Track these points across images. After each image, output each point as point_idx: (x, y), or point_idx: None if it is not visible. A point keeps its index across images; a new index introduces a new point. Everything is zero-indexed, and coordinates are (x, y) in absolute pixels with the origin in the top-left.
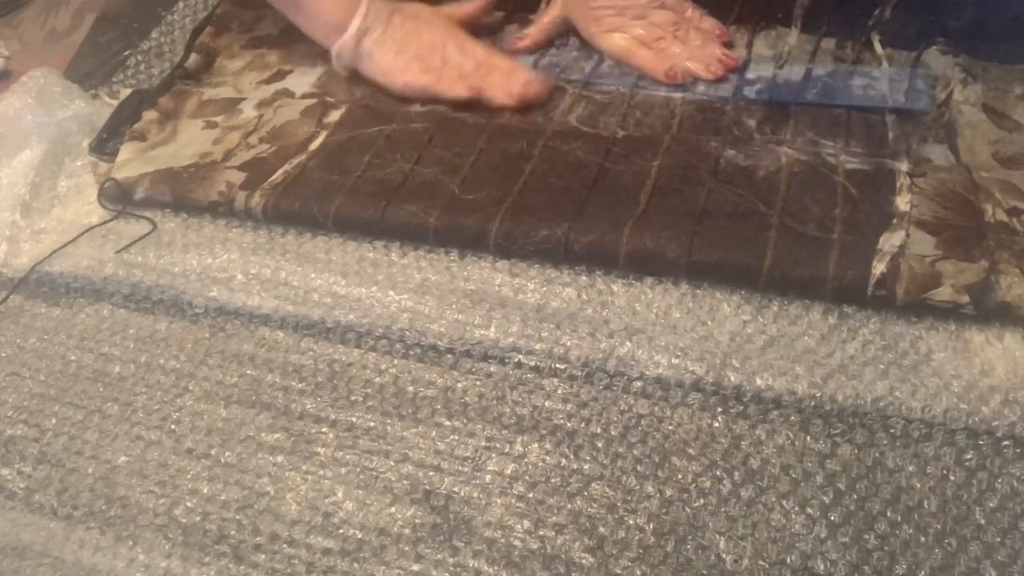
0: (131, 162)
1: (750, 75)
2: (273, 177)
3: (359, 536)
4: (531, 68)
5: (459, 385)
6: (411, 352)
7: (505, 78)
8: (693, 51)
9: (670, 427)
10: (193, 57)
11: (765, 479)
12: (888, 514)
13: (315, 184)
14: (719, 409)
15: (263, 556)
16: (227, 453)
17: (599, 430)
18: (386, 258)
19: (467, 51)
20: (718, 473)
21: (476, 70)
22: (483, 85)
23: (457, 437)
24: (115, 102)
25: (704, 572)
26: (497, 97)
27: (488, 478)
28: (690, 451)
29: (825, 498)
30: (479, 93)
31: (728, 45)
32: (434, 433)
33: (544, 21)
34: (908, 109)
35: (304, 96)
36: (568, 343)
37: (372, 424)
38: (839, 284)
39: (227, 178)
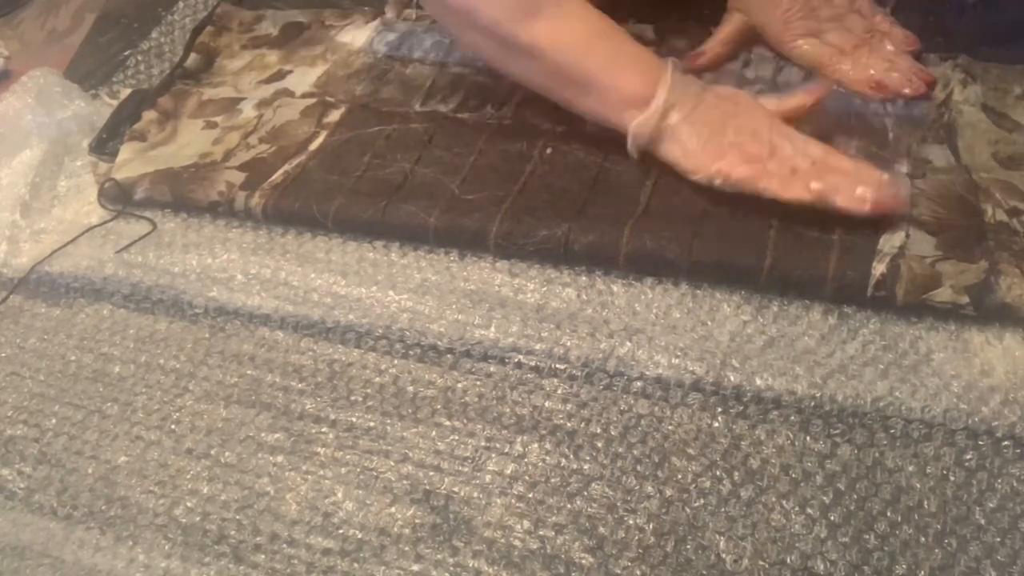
0: (131, 162)
1: (749, 75)
2: (273, 177)
3: (359, 536)
4: (882, 170)
5: (459, 385)
6: (411, 352)
7: (851, 180)
8: (890, 63)
9: (670, 427)
10: (193, 57)
11: (765, 479)
12: (888, 514)
13: (315, 184)
14: (719, 409)
15: (263, 556)
16: (227, 453)
17: (599, 430)
18: (386, 258)
19: (799, 145)
20: (718, 473)
21: (812, 169)
22: (824, 187)
23: (457, 437)
24: (115, 102)
25: (704, 572)
26: (843, 202)
27: (488, 478)
28: (690, 451)
29: (825, 498)
30: (822, 198)
31: (916, 55)
32: (434, 433)
33: (723, 33)
34: (908, 112)
35: (304, 96)
36: (568, 343)
37: (372, 424)
38: (839, 284)
39: (227, 178)
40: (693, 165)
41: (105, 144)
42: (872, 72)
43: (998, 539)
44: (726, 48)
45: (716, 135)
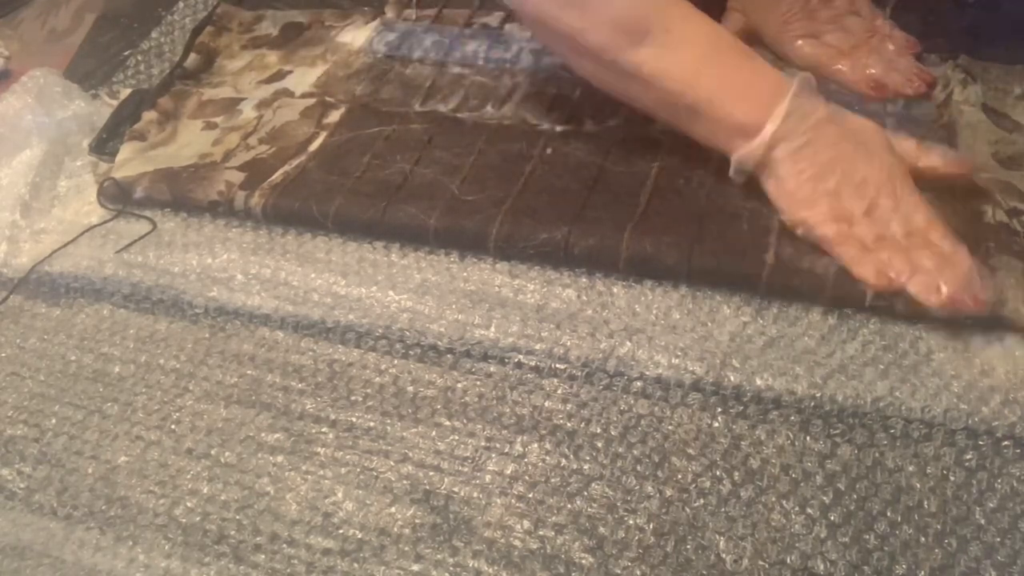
0: (131, 162)
1: None
2: (273, 177)
3: (359, 536)
4: (974, 262)
5: (459, 385)
6: (411, 352)
7: (939, 265)
8: (889, 63)
9: (670, 427)
10: (193, 57)
11: (765, 479)
12: (888, 514)
13: (315, 185)
14: (719, 409)
15: (263, 556)
16: (227, 453)
17: (599, 430)
18: (386, 258)
19: (903, 207)
20: (718, 473)
21: (903, 239)
22: (901, 267)
23: (457, 437)
24: (115, 102)
25: (704, 572)
26: (915, 286)
27: (488, 478)
28: (690, 451)
29: (825, 498)
30: (891, 286)
31: (918, 58)
32: (434, 433)
33: None
34: (908, 112)
35: (304, 96)
36: (568, 343)
37: (372, 424)
38: (838, 293)
39: (227, 178)
40: (783, 205)
41: (105, 144)
42: (871, 72)
43: (998, 539)
44: None
45: (817, 178)
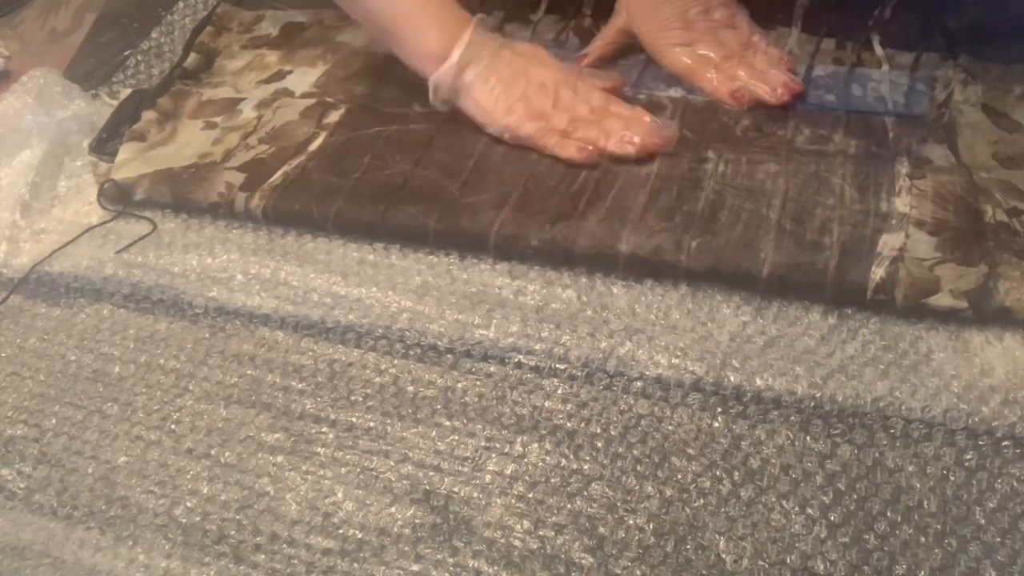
0: (130, 162)
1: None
2: (273, 178)
3: (359, 536)
4: (654, 116)
5: (459, 385)
6: (411, 352)
7: (623, 125)
8: (758, 74)
9: (670, 427)
10: (193, 57)
11: (765, 479)
12: (888, 514)
13: (315, 186)
14: (719, 409)
15: (263, 556)
16: (227, 453)
17: (599, 430)
18: (386, 259)
19: (581, 93)
20: (718, 473)
21: (590, 115)
22: (596, 136)
23: (457, 437)
24: (115, 102)
25: (704, 572)
26: (613, 147)
27: (488, 478)
28: (690, 451)
29: (825, 498)
30: (590, 155)
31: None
32: (434, 433)
33: (607, 34)
34: (908, 112)
35: (304, 96)
36: (568, 343)
37: (372, 424)
38: (838, 289)
39: (227, 179)
40: (485, 119)
41: (105, 144)
42: (735, 83)
43: (998, 539)
44: (610, 47)
45: (507, 90)
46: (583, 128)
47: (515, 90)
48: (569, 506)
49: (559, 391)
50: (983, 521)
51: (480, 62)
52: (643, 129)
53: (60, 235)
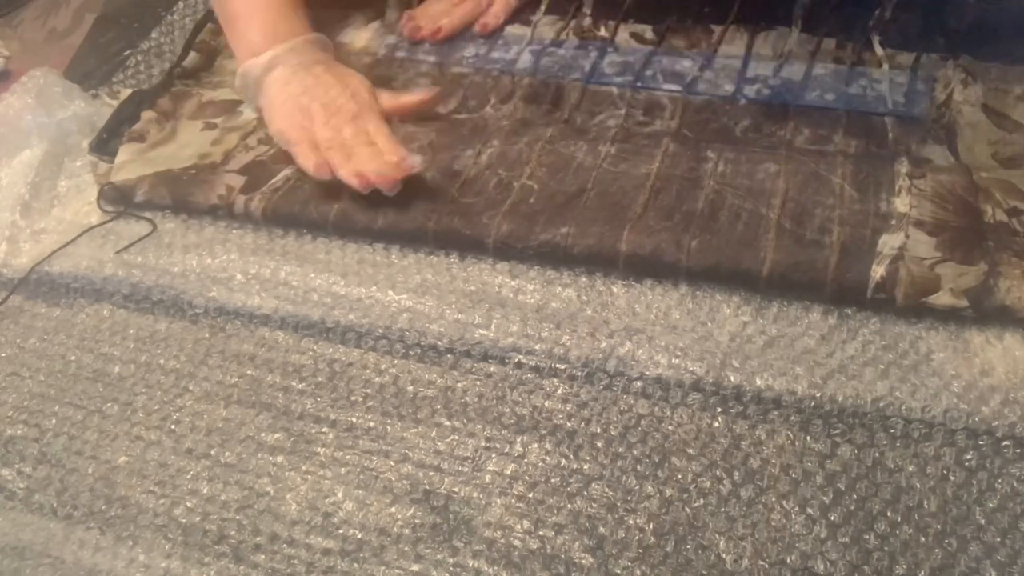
0: (130, 164)
1: (750, 75)
2: (273, 181)
3: (359, 536)
4: (412, 158)
5: (459, 385)
6: (411, 352)
7: (369, 158)
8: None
9: (670, 427)
10: (193, 56)
11: (765, 479)
12: (888, 514)
13: (315, 188)
14: (719, 409)
15: (263, 556)
16: (227, 453)
17: (599, 430)
18: (386, 259)
19: (361, 121)
20: (718, 473)
21: (351, 139)
22: (339, 160)
23: (457, 437)
24: (115, 102)
25: (704, 572)
26: (344, 175)
27: (488, 478)
28: (690, 451)
29: (825, 498)
30: (324, 172)
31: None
32: (434, 433)
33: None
34: (908, 112)
35: None
36: (568, 343)
37: (372, 424)
38: (838, 288)
39: (227, 182)
40: (268, 117)
41: (106, 144)
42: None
43: (998, 539)
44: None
45: (297, 98)
46: (334, 149)
47: (302, 100)
48: (569, 506)
49: (559, 391)
50: (983, 521)
51: (287, 67)
52: (375, 166)
53: (60, 235)
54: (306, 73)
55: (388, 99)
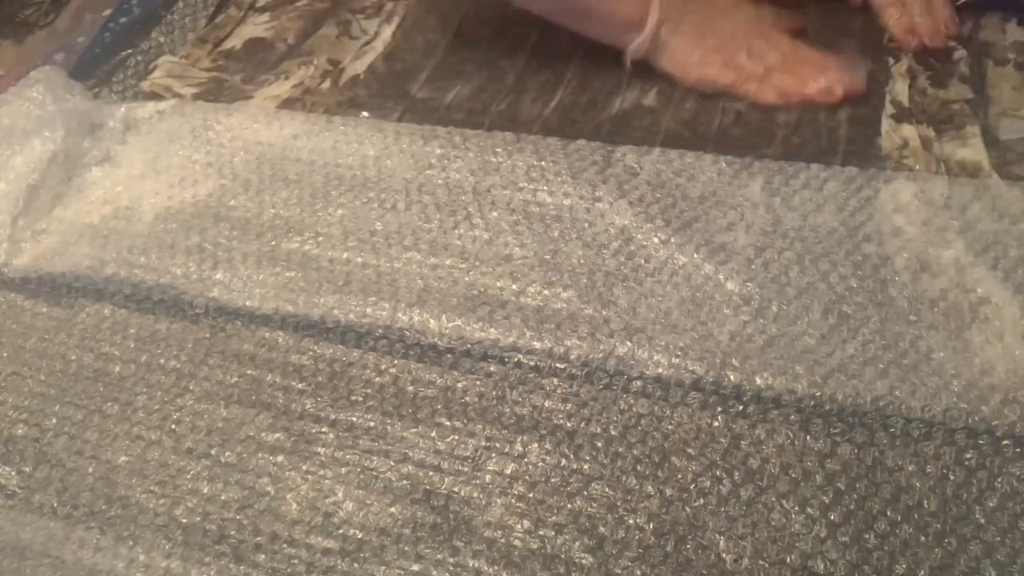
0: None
1: None
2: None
3: (359, 536)
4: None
5: (459, 385)
6: (411, 352)
7: (817, 71)
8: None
9: (670, 427)
10: None
11: (765, 479)
12: (888, 514)
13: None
14: (719, 409)
15: (263, 556)
16: (227, 453)
17: (599, 430)
18: (386, 259)
19: (771, 40)
20: (718, 473)
21: (782, 62)
22: (794, 83)
23: (457, 437)
24: (115, 102)
25: (704, 572)
26: (814, 95)
27: (488, 478)
28: (690, 451)
29: (825, 498)
30: (792, 100)
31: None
32: (434, 433)
33: None
34: None
35: None
36: (568, 343)
37: (372, 424)
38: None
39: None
40: (683, 73)
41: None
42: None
43: (998, 539)
44: None
45: (701, 42)
46: (778, 75)
47: (708, 42)
48: (569, 506)
49: (559, 391)
50: (983, 521)
51: (672, 20)
52: (837, 75)
53: (60, 235)
54: (690, 18)
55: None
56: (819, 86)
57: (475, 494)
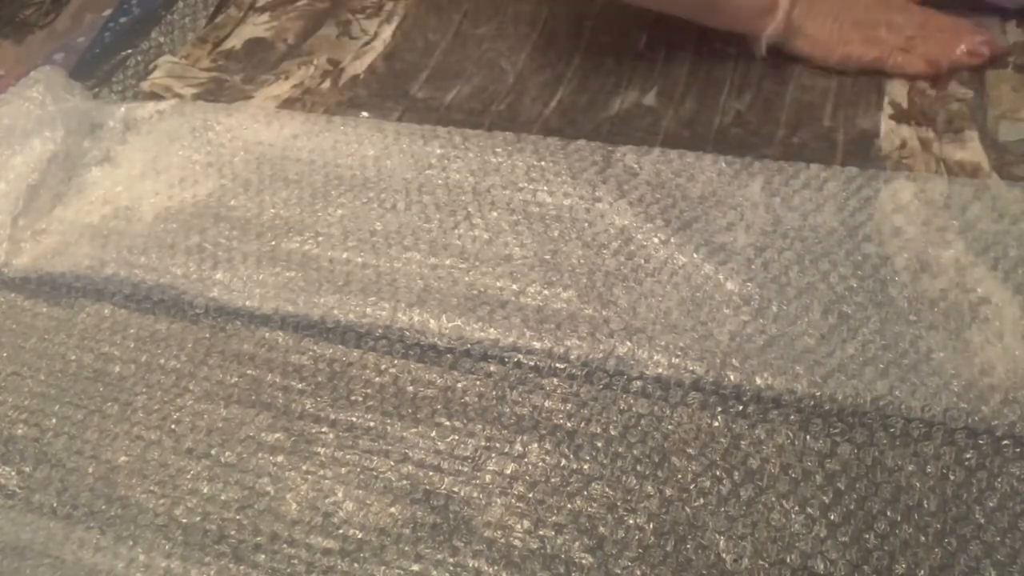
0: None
1: None
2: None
3: (359, 536)
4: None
5: (459, 385)
6: (411, 352)
7: (954, 36)
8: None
9: (670, 427)
10: None
11: (765, 479)
12: (888, 514)
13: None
14: (719, 409)
15: (263, 556)
16: (227, 453)
17: (599, 430)
18: (386, 259)
19: (907, 11)
20: (718, 473)
21: (920, 31)
22: (939, 51)
23: (457, 437)
24: (115, 102)
25: (704, 572)
26: (963, 60)
27: (488, 478)
28: (690, 451)
29: (825, 498)
30: (938, 68)
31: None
32: (434, 433)
33: None
34: None
35: None
36: (568, 343)
37: (372, 424)
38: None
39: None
40: (824, 53)
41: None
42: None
43: (998, 539)
44: None
45: (837, 20)
46: (921, 45)
47: (844, 20)
48: (569, 506)
49: (559, 391)
50: (983, 521)
51: (802, 5)
52: (976, 37)
53: (60, 235)
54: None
55: None
56: (966, 49)
57: (475, 494)
